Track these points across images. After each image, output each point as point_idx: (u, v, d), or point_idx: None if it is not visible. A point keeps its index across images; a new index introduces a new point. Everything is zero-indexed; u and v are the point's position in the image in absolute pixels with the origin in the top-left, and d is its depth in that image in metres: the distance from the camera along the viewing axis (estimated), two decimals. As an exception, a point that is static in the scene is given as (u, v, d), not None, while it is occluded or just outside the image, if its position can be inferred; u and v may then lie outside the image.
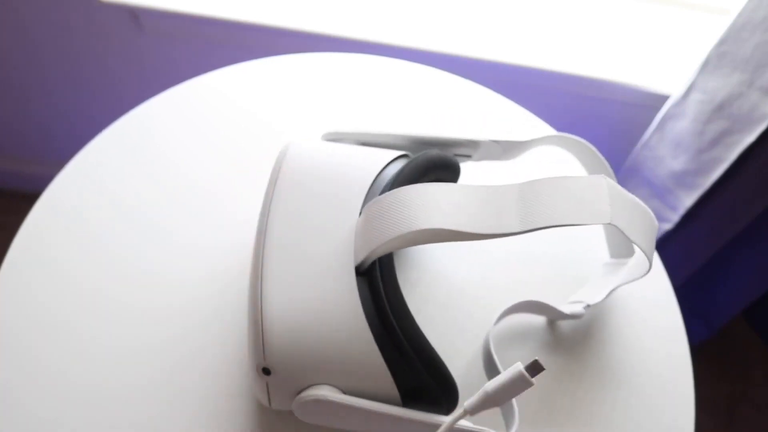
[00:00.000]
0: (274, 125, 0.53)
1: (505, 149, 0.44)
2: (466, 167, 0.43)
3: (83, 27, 0.81)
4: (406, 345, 0.33)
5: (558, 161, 0.51)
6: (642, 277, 0.40)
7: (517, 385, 0.30)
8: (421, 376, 0.33)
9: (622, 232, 0.32)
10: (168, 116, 0.53)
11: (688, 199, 0.72)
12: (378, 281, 0.33)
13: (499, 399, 0.31)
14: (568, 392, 0.43)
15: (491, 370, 0.39)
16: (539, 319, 0.45)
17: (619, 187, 0.33)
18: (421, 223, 0.31)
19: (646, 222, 0.34)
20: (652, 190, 0.76)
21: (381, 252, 0.33)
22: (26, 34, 0.85)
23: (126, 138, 0.51)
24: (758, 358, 1.16)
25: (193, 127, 0.52)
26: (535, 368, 0.29)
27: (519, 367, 0.30)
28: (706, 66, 0.64)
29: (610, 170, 0.45)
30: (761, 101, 0.60)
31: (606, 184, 0.32)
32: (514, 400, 0.37)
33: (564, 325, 0.45)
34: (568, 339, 0.45)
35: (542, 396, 0.43)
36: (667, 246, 0.78)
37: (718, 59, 0.62)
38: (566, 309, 0.43)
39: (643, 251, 0.34)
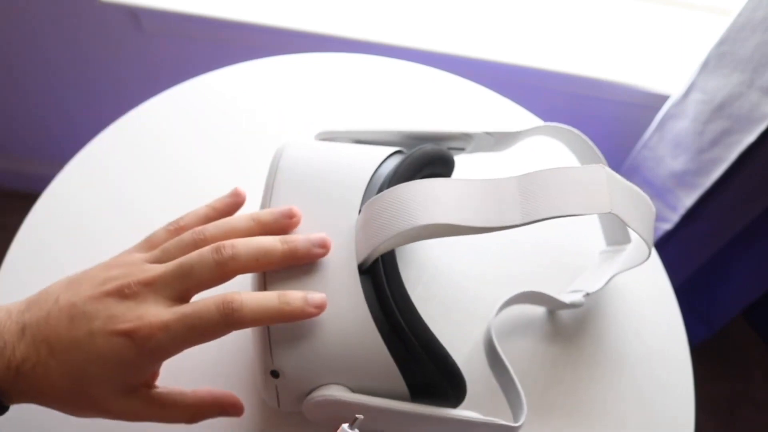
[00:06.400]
0: (273, 125, 0.53)
1: (498, 140, 0.44)
2: (459, 159, 0.43)
3: (83, 27, 0.81)
4: (413, 341, 0.33)
5: (549, 151, 0.51)
6: (642, 263, 0.40)
7: None
8: (429, 371, 0.33)
9: (623, 221, 0.32)
10: (167, 116, 0.53)
11: (688, 199, 0.72)
12: (382, 278, 0.33)
13: None
14: (569, 391, 0.43)
15: (495, 360, 0.39)
16: (539, 310, 0.45)
17: (616, 175, 0.33)
18: (423, 219, 0.31)
19: (644, 209, 0.34)
20: (652, 190, 0.76)
21: (383, 249, 0.33)
22: (26, 34, 0.85)
23: (126, 138, 0.51)
24: (758, 358, 1.16)
25: (193, 127, 0.52)
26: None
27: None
28: (706, 66, 0.64)
29: (601, 156, 0.45)
30: (761, 101, 0.60)
31: (605, 173, 0.32)
32: (520, 388, 0.36)
33: (564, 315, 0.45)
34: (569, 329, 0.45)
35: (543, 387, 0.43)
36: (667, 246, 0.78)
37: (718, 59, 0.62)
38: (566, 298, 0.43)
39: (643, 239, 0.34)
